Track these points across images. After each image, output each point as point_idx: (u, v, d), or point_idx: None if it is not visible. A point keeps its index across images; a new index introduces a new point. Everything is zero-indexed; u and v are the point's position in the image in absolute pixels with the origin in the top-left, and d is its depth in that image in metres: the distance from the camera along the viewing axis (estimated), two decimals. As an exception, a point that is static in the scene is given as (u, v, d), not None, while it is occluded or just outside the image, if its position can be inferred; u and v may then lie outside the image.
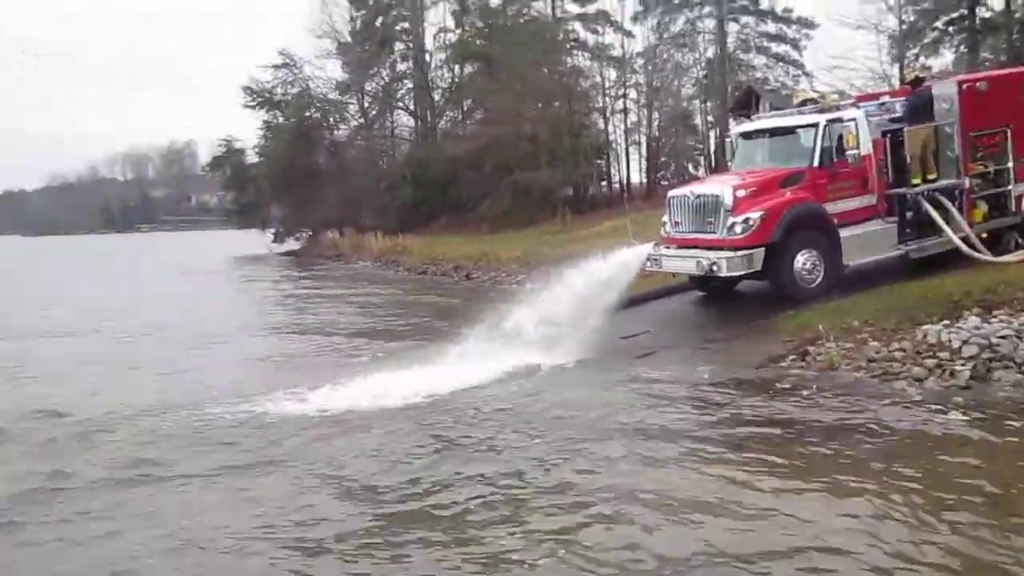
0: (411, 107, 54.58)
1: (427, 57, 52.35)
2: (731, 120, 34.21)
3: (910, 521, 6.11)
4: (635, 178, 46.10)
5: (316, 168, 50.13)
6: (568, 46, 46.70)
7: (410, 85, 54.01)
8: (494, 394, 10.69)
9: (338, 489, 7.54)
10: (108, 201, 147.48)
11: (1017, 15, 41.78)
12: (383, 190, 49.07)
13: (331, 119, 53.49)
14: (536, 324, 12.82)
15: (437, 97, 52.52)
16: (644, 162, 45.41)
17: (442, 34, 52.12)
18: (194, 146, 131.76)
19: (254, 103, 52.37)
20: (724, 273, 12.22)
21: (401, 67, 54.03)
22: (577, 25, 48.18)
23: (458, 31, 51.34)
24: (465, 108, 51.63)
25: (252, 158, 56.15)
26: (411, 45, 52.58)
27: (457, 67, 51.75)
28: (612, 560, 5.83)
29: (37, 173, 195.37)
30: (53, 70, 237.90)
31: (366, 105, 54.11)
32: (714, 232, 12.46)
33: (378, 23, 53.13)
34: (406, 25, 53.35)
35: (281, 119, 52.64)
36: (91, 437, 9.61)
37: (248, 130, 60.33)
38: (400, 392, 10.70)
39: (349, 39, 53.62)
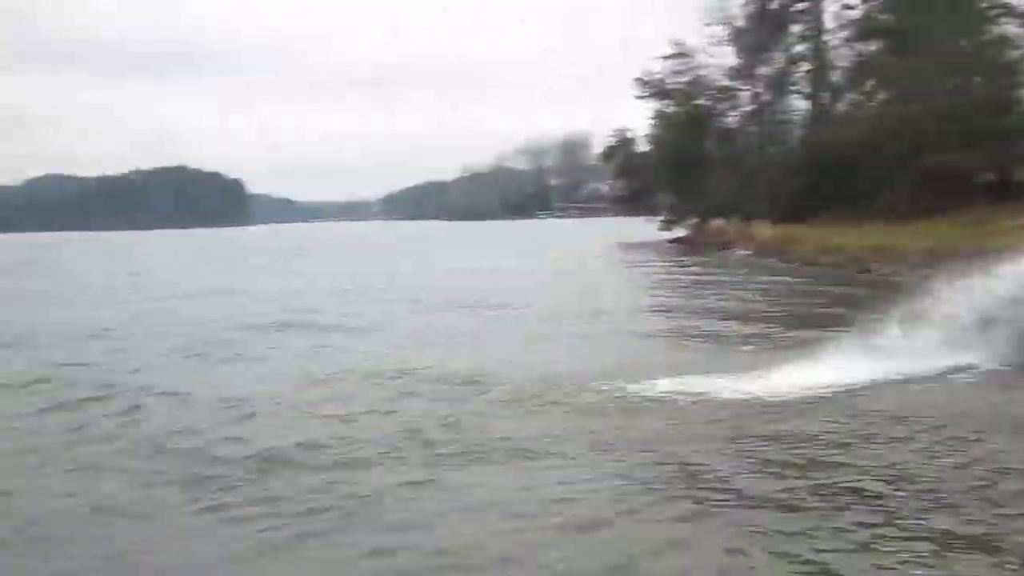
0: (806, 90, 52.30)
1: (826, 37, 49.74)
2: None
3: None
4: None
5: (705, 155, 50.25)
6: (992, 13, 41.41)
7: (807, 67, 51.74)
8: (895, 398, 9.95)
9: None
10: (510, 190, 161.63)
11: None
12: (773, 177, 47.72)
13: (721, 106, 53.18)
14: (956, 318, 11.67)
15: (835, 78, 49.68)
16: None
17: (844, 11, 49.13)
18: (588, 137, 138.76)
19: (646, 93, 53.85)
20: None
21: (798, 49, 51.98)
22: (1006, -13, 42.57)
23: (862, 6, 48.01)
24: (868, 88, 48.18)
25: (642, 147, 57.92)
26: (810, 25, 50.28)
27: (860, 45, 48.44)
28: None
29: (453, 165, 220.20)
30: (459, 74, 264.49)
31: (759, 90, 52.90)
32: None
33: (775, 4, 51.58)
34: (805, 4, 51.10)
35: (672, 108, 53.50)
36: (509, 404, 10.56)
37: (640, 120, 62.11)
38: (825, 383, 10.33)
39: (744, 23, 52.78)
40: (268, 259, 50.40)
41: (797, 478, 7.36)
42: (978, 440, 8.21)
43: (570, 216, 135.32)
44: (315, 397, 10.94)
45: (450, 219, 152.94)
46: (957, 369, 10.87)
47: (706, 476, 7.48)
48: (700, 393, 10.31)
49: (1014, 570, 5.37)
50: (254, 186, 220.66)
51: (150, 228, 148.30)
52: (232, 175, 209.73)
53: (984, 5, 40.94)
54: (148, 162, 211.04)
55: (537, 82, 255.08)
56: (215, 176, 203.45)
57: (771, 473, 7.52)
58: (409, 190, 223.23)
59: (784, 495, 6.95)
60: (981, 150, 34.52)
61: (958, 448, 8.03)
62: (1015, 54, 39.13)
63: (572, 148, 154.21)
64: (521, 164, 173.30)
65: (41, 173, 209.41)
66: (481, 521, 6.56)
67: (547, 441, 8.61)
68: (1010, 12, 41.22)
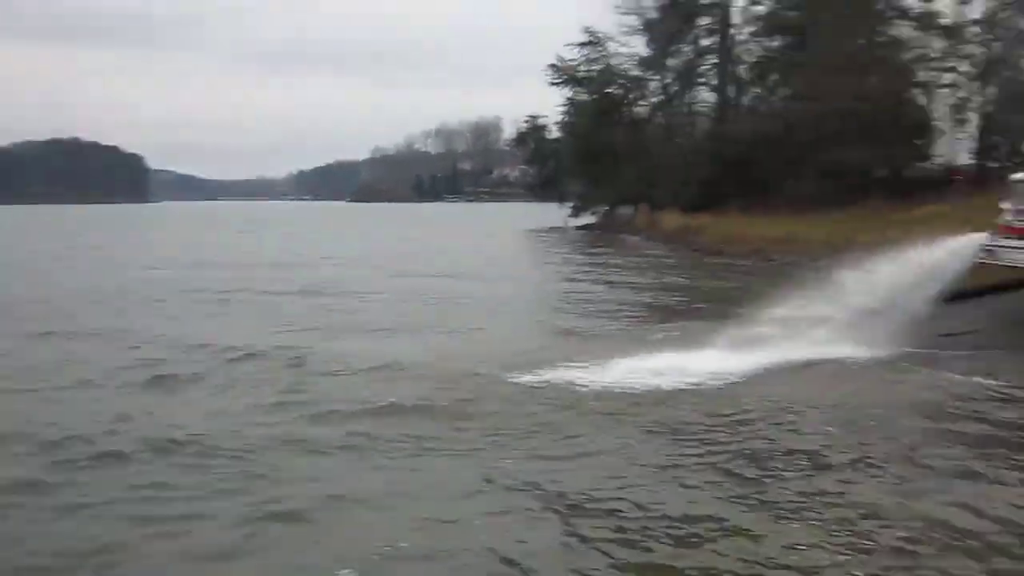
0: (713, 83, 53.33)
1: (733, 31, 50.77)
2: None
3: None
4: (962, 160, 41.60)
5: (616, 145, 50.73)
6: (888, 15, 43.07)
7: (714, 60, 52.74)
8: (798, 384, 10.26)
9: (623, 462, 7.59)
10: (421, 173, 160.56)
11: None
12: (680, 168, 48.61)
13: (632, 96, 53.77)
14: (843, 312, 12.13)
15: (742, 72, 50.81)
16: (974, 143, 40.82)
17: (751, 6, 50.22)
18: (500, 122, 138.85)
19: (559, 80, 54.01)
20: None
21: (706, 42, 52.93)
22: (902, -8, 44.35)
23: (768, 2, 49.18)
24: (771, 83, 49.47)
25: (554, 134, 58.16)
26: (717, 19, 51.21)
27: (765, 40, 49.66)
28: None
29: (364, 146, 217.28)
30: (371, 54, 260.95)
31: (667, 81, 53.70)
32: (1069, 223, 10.96)
33: (684, -2, 52.34)
34: (714, -1, 51.96)
35: (584, 96, 53.83)
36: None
37: (551, 107, 62.46)
38: (696, 372, 10.56)
39: (655, 15, 53.39)
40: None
41: (683, 453, 7.64)
42: (866, 419, 8.59)
43: (480, 200, 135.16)
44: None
45: (360, 200, 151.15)
46: (842, 357, 11.26)
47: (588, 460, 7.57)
48: (592, 381, 10.42)
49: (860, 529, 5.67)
50: (157, 162, 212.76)
51: (36, 203, 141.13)
52: (133, 150, 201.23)
53: (880, 7, 42.50)
54: (41, 134, 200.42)
55: (450, 66, 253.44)
56: (112, 150, 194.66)
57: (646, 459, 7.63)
58: (319, 170, 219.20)
59: (673, 470, 7.21)
60: (878, 147, 35.89)
61: (844, 426, 8.46)
62: (909, 56, 40.78)
63: (483, 133, 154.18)
64: (432, 147, 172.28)
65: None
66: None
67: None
68: (904, 15, 42.97)
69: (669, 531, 6.11)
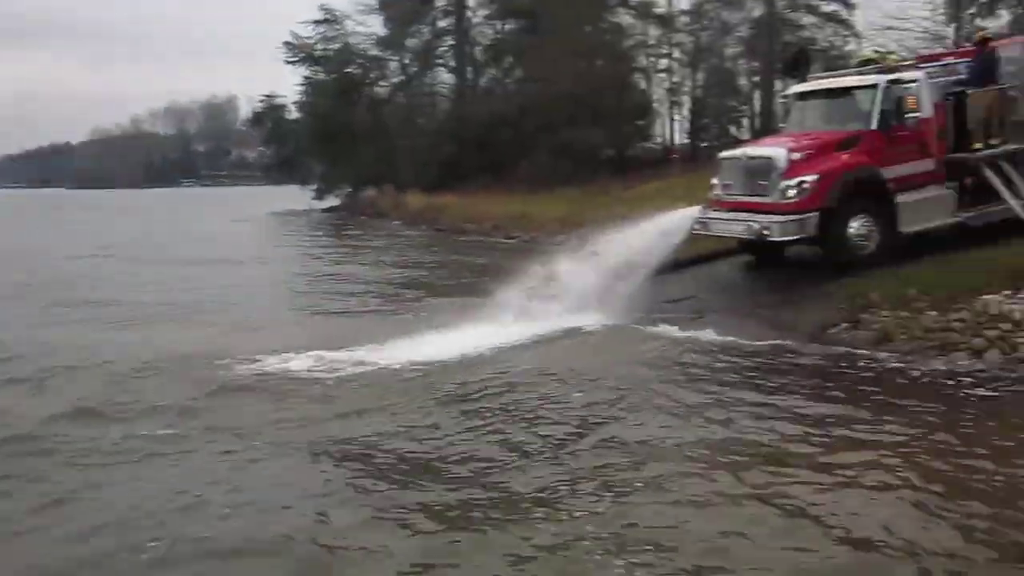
0: (452, 64, 54.06)
1: (469, 13, 51.67)
2: (780, 81, 33.39)
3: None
4: (678, 139, 45.37)
5: (356, 125, 50.01)
6: (612, 3, 45.92)
7: (451, 42, 53.42)
8: (536, 355, 10.67)
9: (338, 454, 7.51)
10: (150, 155, 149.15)
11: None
12: (422, 148, 48.95)
13: (372, 76, 53.23)
14: (578, 285, 12.77)
15: (478, 54, 51.91)
16: (687, 123, 44.62)
17: (485, -12, 51.27)
18: (235, 101, 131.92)
19: (295, 59, 52.29)
20: (776, 238, 11.92)
21: (443, 23, 53.44)
22: (622, -19, 47.54)
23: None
24: (506, 65, 50.99)
25: (293, 114, 56.28)
26: (453, 0, 51.85)
27: (499, 23, 51.06)
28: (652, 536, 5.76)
29: (82, 127, 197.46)
30: (93, 25, 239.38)
31: (406, 62, 53.69)
32: (766, 195, 12.12)
33: (420, -23, 52.44)
34: (449, -21, 52.49)
35: (322, 75, 52.52)
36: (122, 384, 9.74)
37: (290, 86, 60.34)
38: (432, 353, 10.66)
39: (391, -6, 53.06)
40: None
41: (444, 439, 7.65)
42: (613, 376, 9.12)
43: (219, 184, 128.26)
44: None
45: (83, 187, 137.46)
46: (583, 327, 11.87)
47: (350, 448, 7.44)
48: (347, 365, 10.25)
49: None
50: None
51: None
52: None
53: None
54: None
55: (179, 40, 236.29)
56: None
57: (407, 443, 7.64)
58: (28, 154, 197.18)
59: (431, 455, 7.18)
60: (605, 128, 38.20)
61: (595, 384, 8.98)
62: (630, 42, 43.69)
63: (217, 113, 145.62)
64: (162, 128, 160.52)
65: None
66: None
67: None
68: (625, 3, 46.00)
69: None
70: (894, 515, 5.70)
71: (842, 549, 5.35)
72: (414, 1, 50.39)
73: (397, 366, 10.14)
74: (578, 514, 5.95)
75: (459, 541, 5.70)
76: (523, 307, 12.42)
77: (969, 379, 8.68)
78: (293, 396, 9.11)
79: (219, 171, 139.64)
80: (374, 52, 53.15)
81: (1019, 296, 9.80)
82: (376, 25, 52.82)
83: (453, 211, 35.75)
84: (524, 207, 30.29)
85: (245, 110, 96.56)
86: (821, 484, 6.27)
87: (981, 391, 8.32)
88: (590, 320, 12.07)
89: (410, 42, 52.82)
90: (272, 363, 10.37)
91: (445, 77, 54.67)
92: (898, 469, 6.46)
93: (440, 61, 53.67)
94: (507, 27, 50.45)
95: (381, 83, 53.91)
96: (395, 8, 51.55)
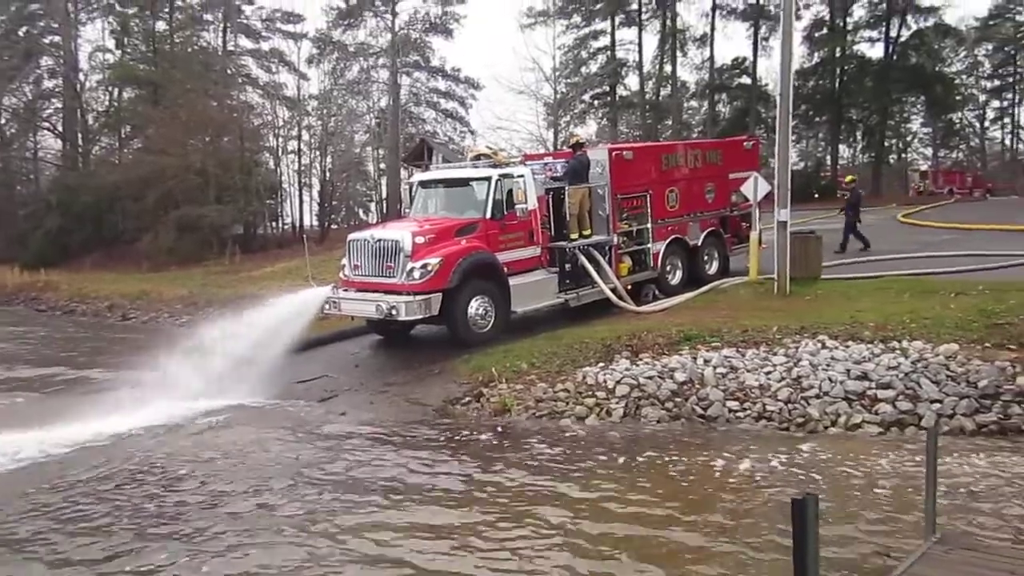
0: (59, 128, 49.24)
1: (81, 76, 47.64)
2: (404, 169, 35.18)
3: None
4: (308, 220, 45.58)
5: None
6: (240, 80, 45.45)
7: (59, 104, 48.84)
8: (173, 440, 10.05)
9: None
10: None
11: (648, 96, 48.45)
12: (22, 218, 43.84)
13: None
14: (205, 368, 12.32)
15: (91, 120, 47.91)
16: (317, 205, 45.09)
17: (99, 53, 47.77)
18: None
19: None
20: (403, 317, 12.44)
21: (49, 84, 48.80)
22: (250, 61, 47.44)
23: (118, 52, 47.45)
24: (124, 134, 47.72)
25: None
26: (62, 61, 47.52)
27: (116, 90, 47.80)
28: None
29: None
30: None
31: (3, 122, 47.98)
32: (393, 276, 12.67)
33: (22, 32, 47.49)
34: (56, 39, 48.07)
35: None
36: None
37: None
38: (41, 447, 9.67)
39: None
40: None
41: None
42: (234, 467, 8.70)
43: None
44: None
45: None
46: (215, 410, 11.40)
47: None
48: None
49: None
50: None
51: None
52: None
53: (231, 72, 44.61)
54: None
55: None
56: None
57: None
58: None
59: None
60: (233, 205, 37.23)
61: (224, 472, 8.43)
62: (259, 121, 43.36)
63: None
64: None
65: None
66: None
67: None
68: (254, 83, 45.87)
69: None
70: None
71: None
72: (15, 56, 45.51)
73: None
74: None
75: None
76: (137, 394, 11.75)
77: (571, 439, 9.71)
78: None
79: None
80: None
81: (610, 367, 11.21)
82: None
83: (60, 288, 32.19)
84: (145, 285, 28.27)
85: None
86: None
87: (579, 451, 9.32)
88: (222, 402, 11.65)
89: (9, 101, 47.45)
90: None
91: (51, 142, 49.75)
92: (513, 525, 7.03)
93: (45, 124, 48.75)
94: (125, 95, 47.45)
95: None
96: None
